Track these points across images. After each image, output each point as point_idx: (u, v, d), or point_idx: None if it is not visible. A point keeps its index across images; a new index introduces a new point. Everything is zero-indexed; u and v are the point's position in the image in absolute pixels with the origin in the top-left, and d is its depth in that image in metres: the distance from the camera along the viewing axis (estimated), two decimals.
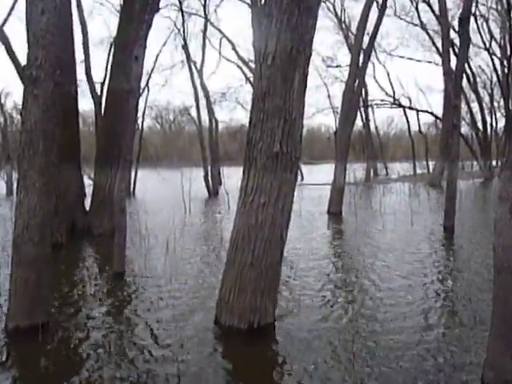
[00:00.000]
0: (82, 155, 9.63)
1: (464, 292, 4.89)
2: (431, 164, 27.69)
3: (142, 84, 19.79)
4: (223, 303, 3.88)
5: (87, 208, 9.17)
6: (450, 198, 8.80)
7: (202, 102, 21.12)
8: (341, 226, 10.32)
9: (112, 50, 11.37)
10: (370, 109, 31.35)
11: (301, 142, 3.81)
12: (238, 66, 25.57)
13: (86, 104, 66.48)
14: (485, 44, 25.96)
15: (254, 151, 3.72)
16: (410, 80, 42.83)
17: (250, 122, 3.80)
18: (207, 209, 13.99)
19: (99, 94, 16.94)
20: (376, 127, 37.50)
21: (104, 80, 16.89)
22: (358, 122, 30.85)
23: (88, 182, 11.84)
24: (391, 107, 28.58)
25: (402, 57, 28.54)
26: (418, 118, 31.86)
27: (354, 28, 23.73)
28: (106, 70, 17.04)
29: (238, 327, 3.75)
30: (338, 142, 12.76)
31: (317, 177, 32.88)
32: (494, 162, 27.95)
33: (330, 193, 12.29)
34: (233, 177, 20.21)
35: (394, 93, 28.60)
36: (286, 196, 3.77)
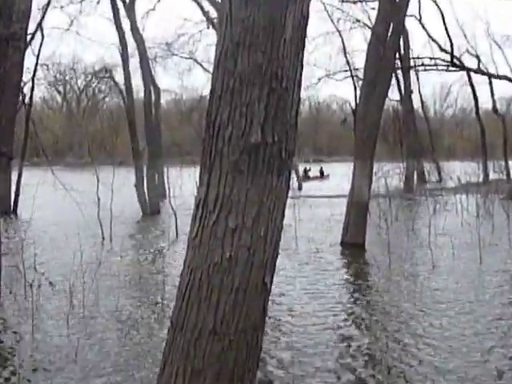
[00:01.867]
0: None
1: None
2: None
3: (31, 28, 19.74)
4: None
5: None
6: None
7: (134, 58, 21.19)
8: (364, 266, 10.44)
9: None
10: (412, 73, 31.97)
11: (296, 126, 3.84)
12: None
13: None
14: None
15: (218, 141, 3.74)
16: (477, 27, 43.84)
17: (211, 93, 3.83)
18: (140, 237, 13.94)
19: None
20: (422, 104, 38.21)
21: None
22: (393, 95, 31.43)
23: None
24: (447, 70, 29.11)
25: None
26: (491, 89, 32.49)
27: None
28: None
29: None
30: (359, 128, 12.94)
31: (324, 184, 33.17)
32: None
33: (346, 211, 12.44)
34: (186, 183, 20.08)
35: (452, 47, 29.15)
36: (272, 215, 3.79)
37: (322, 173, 40.67)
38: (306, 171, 39.15)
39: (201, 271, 3.79)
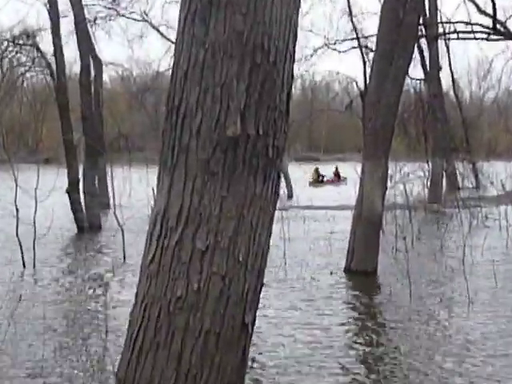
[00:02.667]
0: None
1: None
2: None
3: None
4: None
5: None
6: None
7: (67, 19, 21.07)
8: (376, 304, 10.40)
9: None
10: (441, 44, 32.00)
11: (288, 113, 3.86)
12: None
13: None
14: None
15: (183, 134, 3.74)
16: None
17: (174, 69, 3.83)
18: (74, 262, 13.84)
19: None
20: (454, 84, 38.35)
21: None
22: (415, 73, 31.47)
23: None
24: (488, 39, 29.24)
25: None
26: None
27: None
28: None
29: None
30: (369, 116, 12.97)
31: (322, 191, 33.05)
32: None
33: (352, 227, 12.48)
34: (137, 189, 19.66)
35: (494, 9, 29.29)
36: (255, 232, 3.80)
37: (337, 175, 41.02)
38: (318, 173, 39.59)
39: (159, 308, 3.79)
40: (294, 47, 3.90)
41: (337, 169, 41.46)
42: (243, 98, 3.69)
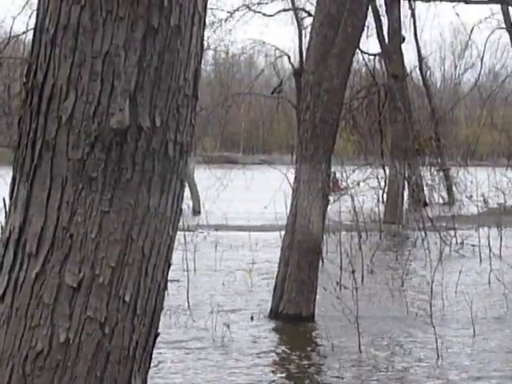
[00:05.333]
0: None
1: None
2: None
3: None
4: None
5: None
6: None
7: None
8: (313, 363, 10.41)
9: None
10: (405, 5, 32.49)
11: (196, 97, 3.85)
12: None
13: None
14: None
15: (48, 124, 3.69)
16: None
17: (37, 33, 3.78)
18: None
19: None
20: (421, 62, 39.05)
21: None
22: (369, 46, 31.89)
23: None
24: (467, 1, 29.79)
25: None
26: None
27: None
28: None
29: None
30: (305, 105, 13.06)
31: (241, 202, 33.20)
32: None
33: (281, 256, 12.48)
34: None
35: None
36: (148, 262, 3.75)
37: (335, 183, 40.88)
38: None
39: (10, 368, 3.73)
40: (205, 6, 3.89)
41: (335, 174, 41.19)
42: (134, 75, 3.67)
